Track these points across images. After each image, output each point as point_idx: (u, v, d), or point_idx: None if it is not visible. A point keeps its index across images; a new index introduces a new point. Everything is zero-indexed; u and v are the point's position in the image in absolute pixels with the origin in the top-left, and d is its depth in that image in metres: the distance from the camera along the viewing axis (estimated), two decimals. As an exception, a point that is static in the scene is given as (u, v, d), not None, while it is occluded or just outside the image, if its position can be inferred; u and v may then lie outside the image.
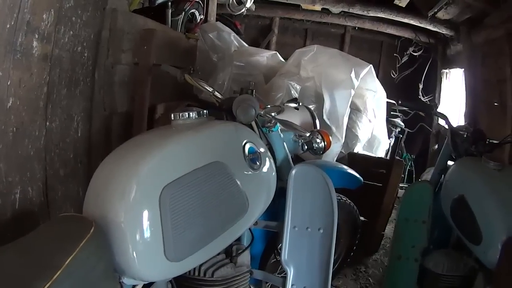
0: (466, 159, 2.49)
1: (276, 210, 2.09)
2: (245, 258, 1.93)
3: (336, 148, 3.80)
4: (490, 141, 2.50)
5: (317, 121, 2.97)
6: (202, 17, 4.79)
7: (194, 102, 3.15)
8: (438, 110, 2.98)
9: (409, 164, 6.32)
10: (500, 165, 2.24)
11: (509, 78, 4.07)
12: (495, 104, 4.43)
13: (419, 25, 5.96)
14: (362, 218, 3.19)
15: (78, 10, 2.24)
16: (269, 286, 2.40)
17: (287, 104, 2.70)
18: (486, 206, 2.09)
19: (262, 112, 1.99)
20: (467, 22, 5.16)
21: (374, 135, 4.45)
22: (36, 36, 1.92)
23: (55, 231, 1.27)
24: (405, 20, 6.02)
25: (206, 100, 2.18)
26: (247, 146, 1.80)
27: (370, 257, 3.99)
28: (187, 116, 1.68)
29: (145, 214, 1.32)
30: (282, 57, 4.73)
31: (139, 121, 2.93)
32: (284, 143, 2.23)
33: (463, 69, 5.60)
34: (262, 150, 1.89)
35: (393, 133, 5.92)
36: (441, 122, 5.51)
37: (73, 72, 2.29)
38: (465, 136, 2.56)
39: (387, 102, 4.50)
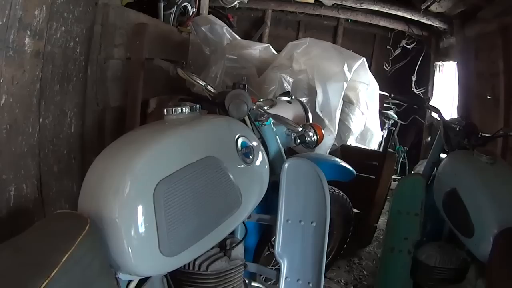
0: (458, 153, 2.51)
1: (269, 203, 2.11)
2: (239, 251, 1.94)
3: (329, 141, 3.82)
4: (483, 134, 2.51)
5: (310, 114, 2.98)
6: (194, 10, 4.77)
7: (187, 95, 3.14)
8: (431, 103, 2.99)
9: (402, 156, 6.35)
10: (492, 158, 2.26)
11: (502, 72, 4.10)
12: (488, 97, 4.46)
13: (412, 18, 5.98)
14: (355, 210, 3.22)
15: (70, 5, 2.23)
16: (263, 279, 2.42)
17: (280, 97, 2.70)
18: (478, 200, 2.11)
19: (254, 107, 1.99)
20: (460, 15, 5.18)
21: (367, 128, 4.48)
22: (28, 32, 1.91)
23: (50, 228, 1.27)
24: (398, 13, 6.04)
25: (199, 94, 2.18)
26: (240, 141, 1.81)
27: (363, 249, 4.04)
28: (180, 111, 1.68)
29: (140, 209, 1.33)
30: (275, 50, 4.75)
31: (132, 116, 2.92)
32: (277, 137, 2.24)
33: (456, 62, 5.62)
34: (255, 144, 1.90)
35: (386, 125, 5.94)
36: (434, 115, 5.53)
37: (65, 68, 2.28)
38: (457, 129, 2.57)
39: (380, 94, 4.51)
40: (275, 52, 4.65)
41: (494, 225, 1.97)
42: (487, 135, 2.53)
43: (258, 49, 4.46)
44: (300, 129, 2.21)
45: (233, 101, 1.64)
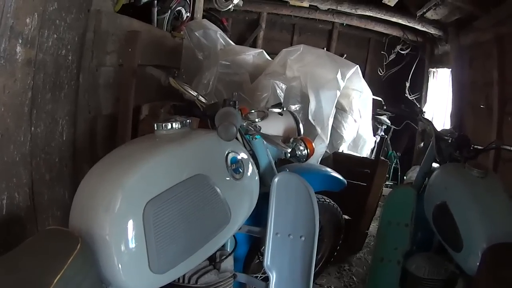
0: (449, 165, 2.50)
1: (259, 215, 2.10)
2: (228, 263, 1.95)
3: (320, 149, 3.81)
4: (475, 146, 2.51)
5: (301, 127, 2.97)
6: (188, 14, 4.77)
7: (180, 102, 3.14)
8: (424, 111, 3.00)
9: (395, 161, 6.35)
10: (483, 172, 2.25)
11: (496, 82, 4.11)
12: (481, 106, 4.47)
13: (408, 24, 5.98)
14: (346, 216, 3.22)
15: (62, 12, 2.22)
16: (253, 288, 2.42)
17: (271, 109, 2.70)
18: (467, 214, 2.11)
19: (245, 124, 1.99)
20: (456, 23, 5.20)
21: (360, 135, 4.48)
22: (20, 41, 1.91)
23: (42, 247, 1.28)
24: (394, 19, 6.04)
25: (191, 101, 2.17)
26: (230, 156, 1.81)
27: (354, 255, 4.04)
28: (170, 126, 1.69)
29: (129, 228, 1.34)
30: (269, 52, 4.74)
31: (124, 123, 2.92)
32: (267, 149, 2.23)
33: (450, 70, 5.63)
34: (245, 158, 1.90)
35: (379, 131, 5.94)
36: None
37: (57, 76, 2.28)
38: (449, 141, 2.57)
39: (373, 99, 4.51)
40: (268, 58, 4.63)
41: (483, 240, 1.97)
42: (479, 147, 2.53)
43: (251, 55, 4.44)
44: (289, 150, 2.22)
45: (222, 123, 1.63)
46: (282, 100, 3.86)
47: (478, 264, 1.95)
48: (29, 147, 2.09)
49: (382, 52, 7.08)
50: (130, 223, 1.34)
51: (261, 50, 4.69)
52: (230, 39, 4.75)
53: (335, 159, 4.13)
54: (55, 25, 2.19)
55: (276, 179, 2.02)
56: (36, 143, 2.15)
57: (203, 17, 5.34)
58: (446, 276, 2.35)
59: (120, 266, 1.32)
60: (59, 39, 2.24)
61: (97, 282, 1.31)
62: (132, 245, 1.34)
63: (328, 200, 2.90)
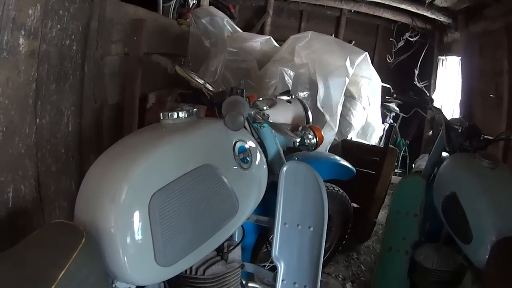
0: (459, 155, 2.47)
1: (267, 204, 2.07)
2: (236, 253, 1.93)
3: (329, 137, 3.80)
4: (485, 136, 2.48)
5: (310, 114, 2.94)
6: (194, 1, 4.74)
7: (186, 90, 3.12)
8: (433, 99, 2.96)
9: (404, 149, 6.32)
10: (493, 163, 2.22)
11: (506, 71, 4.06)
12: (491, 95, 4.42)
13: (416, 11, 5.91)
14: (354, 205, 3.21)
15: (65, 2, 2.21)
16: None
17: (280, 97, 2.67)
18: (477, 206, 2.08)
19: (253, 112, 1.97)
20: (465, 11, 5.14)
21: (368, 122, 4.45)
22: (23, 32, 1.90)
23: (47, 241, 1.27)
24: (402, 6, 5.96)
25: (198, 88, 2.15)
26: (238, 145, 1.78)
27: (362, 244, 4.03)
28: (176, 116, 1.66)
29: (135, 220, 1.32)
30: (277, 39, 4.72)
31: (130, 112, 2.91)
32: (276, 138, 2.21)
33: (459, 58, 5.57)
34: (252, 147, 1.88)
35: (388, 118, 5.90)
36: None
37: (61, 67, 2.26)
38: (459, 130, 2.53)
39: (382, 86, 4.47)
40: (276, 45, 4.60)
41: (493, 233, 1.95)
42: (489, 137, 2.50)
43: (259, 42, 4.41)
44: (298, 139, 2.20)
45: (229, 112, 1.60)
46: (290, 87, 3.83)
47: (487, 257, 1.93)
48: (34, 138, 2.09)
49: (390, 39, 6.98)
50: (136, 215, 1.33)
51: (269, 37, 4.66)
52: (237, 26, 4.72)
53: (344, 146, 4.11)
54: (59, 16, 2.17)
55: (284, 168, 1.99)
56: (41, 134, 2.14)
57: (210, 4, 5.30)
58: (454, 267, 2.34)
59: (125, 259, 1.30)
60: (62, 29, 2.23)
61: (103, 275, 1.31)
62: (138, 237, 1.32)
63: (336, 189, 2.89)
